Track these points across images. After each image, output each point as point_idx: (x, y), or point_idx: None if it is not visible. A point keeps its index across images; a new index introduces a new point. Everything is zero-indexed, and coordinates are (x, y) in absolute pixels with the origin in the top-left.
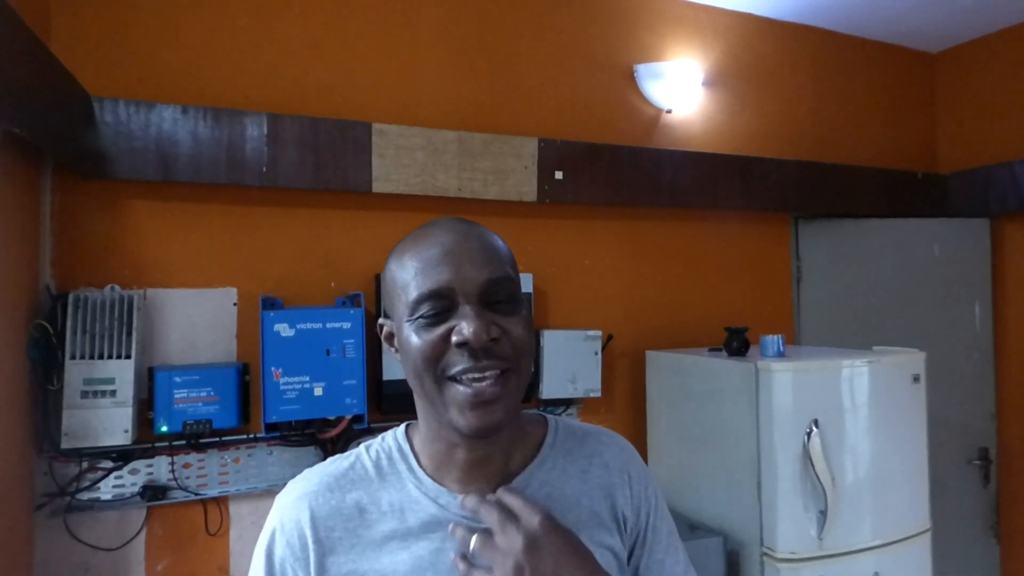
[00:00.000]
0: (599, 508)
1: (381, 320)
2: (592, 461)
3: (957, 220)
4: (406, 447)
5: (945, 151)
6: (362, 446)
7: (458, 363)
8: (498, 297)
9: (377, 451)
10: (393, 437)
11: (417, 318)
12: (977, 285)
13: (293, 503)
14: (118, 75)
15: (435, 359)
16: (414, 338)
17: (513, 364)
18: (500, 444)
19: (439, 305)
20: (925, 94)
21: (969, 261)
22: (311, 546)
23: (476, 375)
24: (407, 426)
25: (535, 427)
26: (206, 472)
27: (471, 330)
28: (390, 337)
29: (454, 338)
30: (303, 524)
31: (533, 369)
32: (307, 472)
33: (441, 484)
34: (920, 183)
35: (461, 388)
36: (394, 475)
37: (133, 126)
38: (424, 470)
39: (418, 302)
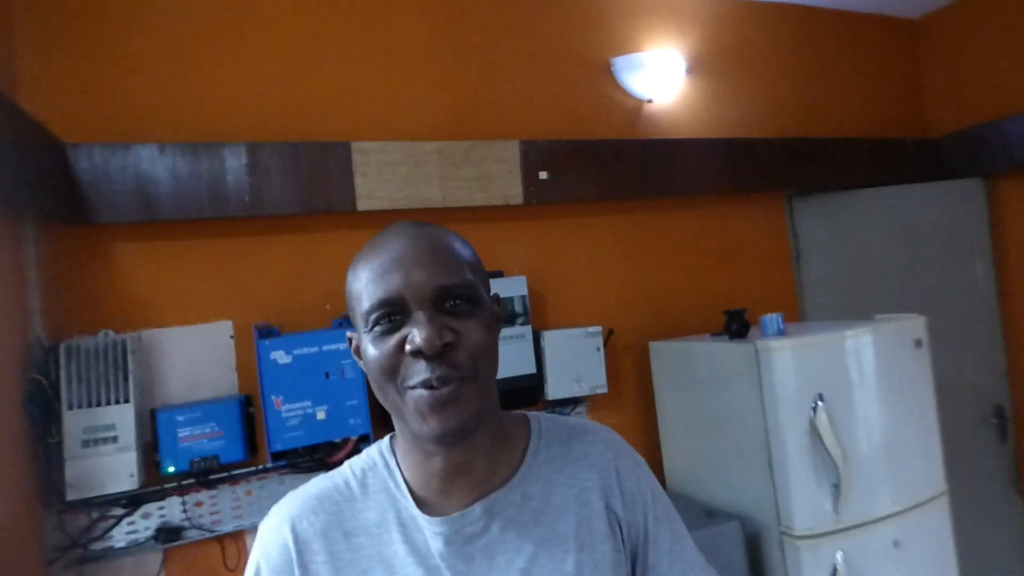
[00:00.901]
0: (588, 514)
1: (349, 332)
2: (579, 465)
3: (951, 182)
4: (391, 460)
5: (934, 115)
6: (347, 463)
7: (415, 374)
8: (453, 299)
9: (362, 467)
10: (378, 450)
11: (372, 328)
12: (977, 245)
13: (276, 528)
14: (91, 119)
15: (393, 370)
16: (371, 349)
17: (471, 373)
18: (480, 448)
19: (391, 313)
20: (910, 60)
21: (967, 222)
22: (296, 570)
23: (434, 384)
24: (391, 438)
25: (519, 430)
26: (219, 508)
27: (422, 337)
28: (358, 350)
29: (407, 347)
30: (288, 548)
31: (522, 356)
32: (290, 495)
33: (424, 497)
34: (911, 149)
35: (420, 393)
36: (380, 492)
37: (110, 169)
38: (407, 483)
39: (370, 312)
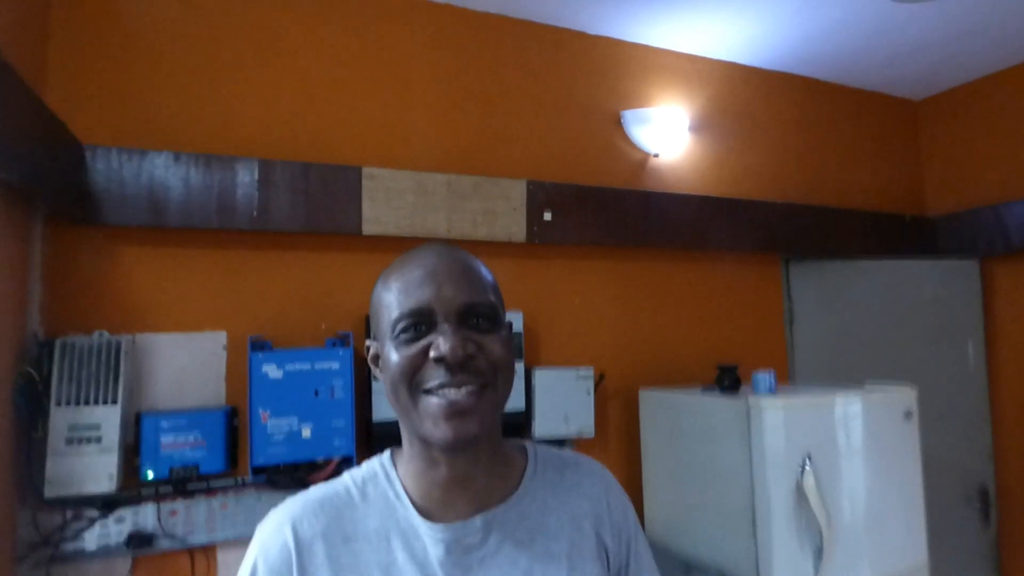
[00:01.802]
0: (580, 540)
1: (368, 342)
2: (572, 492)
3: (946, 262)
4: (392, 471)
5: (932, 194)
6: (346, 473)
7: (434, 377)
8: (477, 317)
9: (363, 476)
10: (379, 462)
11: (398, 335)
12: (969, 325)
13: (277, 527)
14: (111, 123)
15: (411, 372)
16: (394, 354)
17: (490, 379)
18: (481, 462)
19: (419, 323)
20: (910, 139)
21: (960, 302)
22: (295, 571)
23: (452, 389)
24: (392, 451)
25: (517, 455)
26: (193, 519)
27: (448, 346)
28: (376, 359)
29: (432, 353)
30: (288, 548)
31: (512, 392)
32: (290, 500)
33: (424, 507)
34: (908, 225)
35: (435, 400)
36: (380, 500)
37: (125, 173)
38: (408, 493)
39: (399, 320)
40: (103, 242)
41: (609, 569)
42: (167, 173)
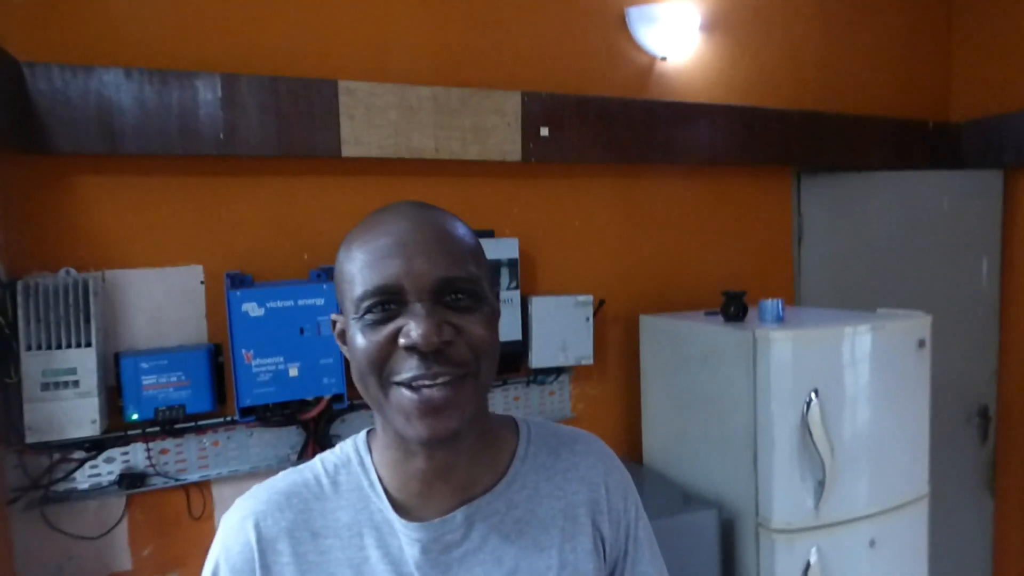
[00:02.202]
0: (573, 528)
1: (334, 316)
2: (567, 476)
3: (968, 172)
4: (367, 458)
5: (959, 98)
6: (318, 458)
7: (406, 369)
8: (455, 293)
9: (335, 463)
10: (353, 445)
11: (363, 315)
12: (986, 240)
13: (239, 524)
14: (51, 36)
15: (380, 362)
16: (359, 338)
17: (472, 369)
18: (463, 452)
19: (386, 302)
20: (940, 34)
21: (978, 215)
22: (258, 571)
23: (426, 382)
24: (367, 433)
25: (506, 433)
26: (185, 457)
27: (419, 332)
28: (342, 335)
29: (401, 340)
30: (250, 547)
31: (509, 321)
32: (255, 489)
33: (401, 500)
34: (931, 133)
35: (408, 394)
36: (353, 491)
37: (71, 93)
38: (383, 483)
39: (363, 298)
40: (57, 172)
41: (605, 559)
42: (118, 92)
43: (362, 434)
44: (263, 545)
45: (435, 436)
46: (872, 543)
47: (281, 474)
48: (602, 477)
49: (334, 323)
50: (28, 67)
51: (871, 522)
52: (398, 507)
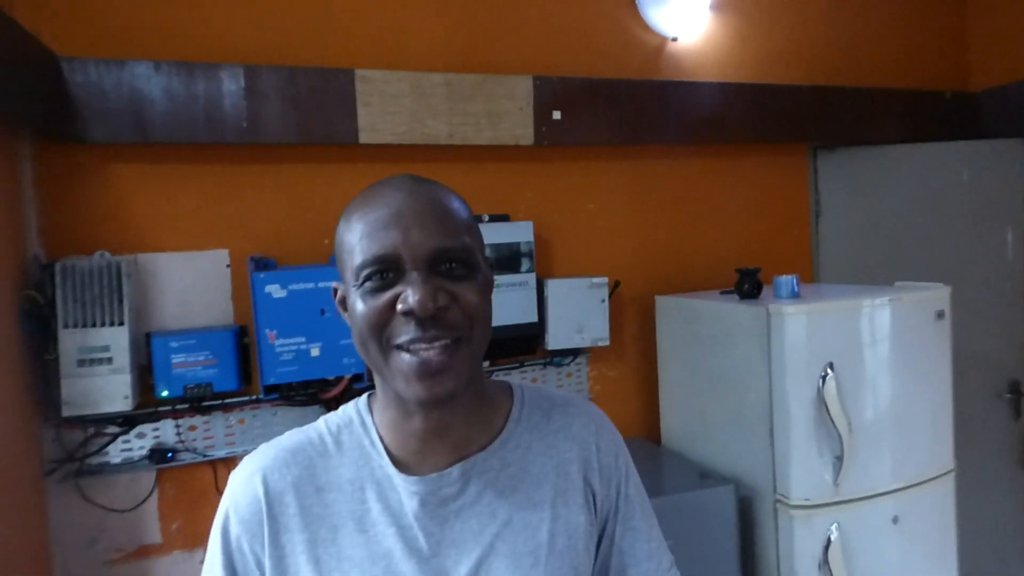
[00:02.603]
0: (565, 484)
1: (335, 284)
2: (559, 436)
3: (989, 142)
4: (368, 419)
5: (978, 66)
6: (322, 419)
7: (404, 333)
8: (450, 262)
9: (338, 423)
10: (355, 407)
11: (362, 283)
12: (1010, 211)
13: (248, 478)
14: (86, 32)
15: (380, 327)
16: (359, 305)
17: (466, 332)
18: (460, 412)
19: (384, 270)
20: (956, 1)
21: (1001, 186)
22: (265, 522)
23: (423, 345)
24: (369, 395)
25: (501, 396)
26: (212, 434)
27: (416, 298)
28: (343, 302)
29: (399, 306)
30: (258, 500)
31: (525, 304)
32: (263, 447)
33: (400, 457)
34: (949, 103)
35: (407, 357)
36: (355, 449)
37: (105, 86)
38: (384, 442)
39: (362, 267)
40: (92, 161)
41: (596, 514)
42: (149, 84)
43: (363, 396)
44: (271, 498)
45: (433, 397)
46: (896, 519)
47: (287, 433)
48: (594, 436)
49: (335, 291)
50: (66, 61)
51: (894, 498)
52: (398, 464)
